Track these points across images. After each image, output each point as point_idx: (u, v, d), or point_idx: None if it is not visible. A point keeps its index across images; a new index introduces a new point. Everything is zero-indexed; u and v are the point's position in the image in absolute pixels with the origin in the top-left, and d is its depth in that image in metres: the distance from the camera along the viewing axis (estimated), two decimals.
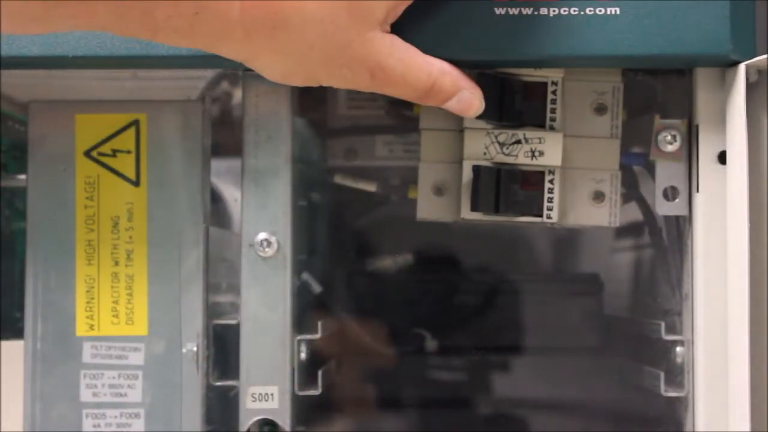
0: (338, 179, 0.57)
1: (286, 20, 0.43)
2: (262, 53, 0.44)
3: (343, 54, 0.44)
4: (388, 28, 0.46)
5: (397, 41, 0.46)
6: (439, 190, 0.52)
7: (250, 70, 0.52)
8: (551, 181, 0.51)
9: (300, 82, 0.47)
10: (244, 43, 0.43)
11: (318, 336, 0.53)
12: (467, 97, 0.48)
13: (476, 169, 0.50)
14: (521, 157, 0.51)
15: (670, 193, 0.52)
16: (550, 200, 0.51)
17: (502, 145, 0.51)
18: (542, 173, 0.51)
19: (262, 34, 0.43)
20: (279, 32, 0.43)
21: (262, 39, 0.43)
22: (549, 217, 0.51)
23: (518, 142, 0.51)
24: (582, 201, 0.52)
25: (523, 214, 0.51)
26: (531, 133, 0.51)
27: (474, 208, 0.50)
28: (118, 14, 0.41)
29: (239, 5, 0.42)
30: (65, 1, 0.40)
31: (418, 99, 0.47)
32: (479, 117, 0.49)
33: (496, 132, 0.51)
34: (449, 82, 0.47)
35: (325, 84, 0.46)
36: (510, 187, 0.50)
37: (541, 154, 0.51)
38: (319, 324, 0.54)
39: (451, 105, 0.48)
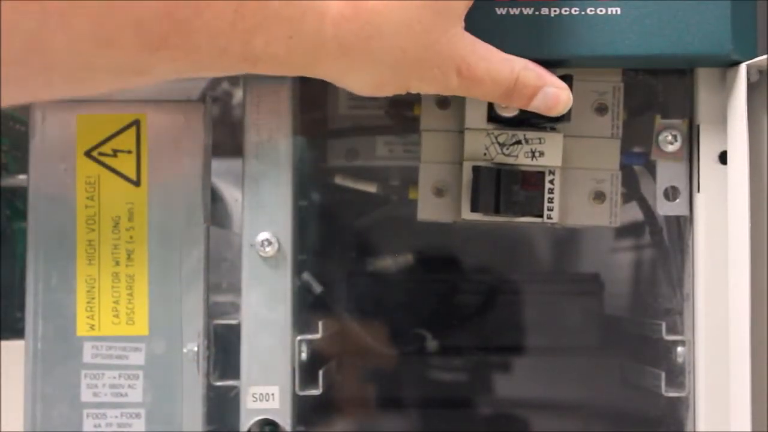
0: (339, 180, 0.57)
1: (378, 28, 0.43)
2: (356, 66, 0.44)
3: (433, 54, 0.44)
4: (464, 26, 0.46)
5: (476, 39, 0.46)
6: (439, 191, 0.52)
7: None
8: (551, 182, 0.51)
9: (392, 91, 0.46)
10: (340, 58, 0.44)
11: (319, 336, 0.53)
12: (552, 93, 0.47)
13: (476, 170, 0.50)
14: (521, 158, 0.51)
15: (671, 193, 0.52)
16: (551, 200, 0.51)
17: (502, 145, 0.51)
18: (542, 173, 0.51)
19: (357, 46, 0.43)
20: (373, 41, 0.43)
21: (357, 52, 0.43)
22: (549, 217, 0.51)
23: (518, 142, 0.51)
24: (582, 201, 0.52)
25: (523, 215, 0.51)
26: (531, 134, 0.51)
27: (474, 208, 0.50)
28: (220, 49, 0.41)
29: (331, 21, 0.42)
30: (167, 46, 0.39)
31: (503, 98, 0.47)
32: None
33: (497, 133, 0.51)
34: (533, 77, 0.47)
35: (414, 90, 0.46)
36: (510, 188, 0.50)
37: (542, 154, 0.51)
38: (320, 324, 0.54)
39: (537, 103, 0.47)
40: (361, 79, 0.46)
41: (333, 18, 0.42)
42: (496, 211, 0.50)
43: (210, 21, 0.39)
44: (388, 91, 0.46)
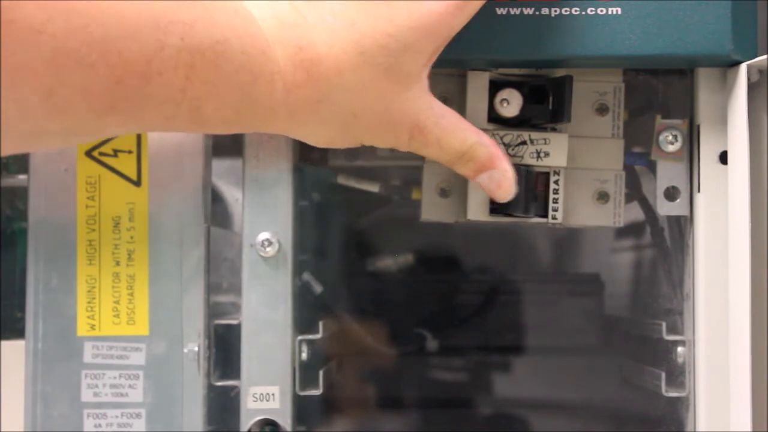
0: (341, 180, 0.57)
1: (328, 94, 0.43)
2: (306, 127, 0.44)
3: (385, 117, 0.44)
4: (427, 84, 0.45)
5: (435, 103, 0.45)
6: (443, 191, 0.52)
7: None
8: (556, 182, 0.51)
9: (344, 145, 0.46)
10: (289, 120, 0.43)
11: (319, 336, 0.53)
12: (497, 178, 0.46)
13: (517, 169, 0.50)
14: (527, 158, 0.51)
15: (672, 193, 0.52)
16: (555, 201, 0.51)
17: (507, 146, 0.51)
18: (547, 174, 0.51)
19: (305, 110, 0.43)
20: (322, 106, 0.43)
21: (306, 114, 0.43)
22: (554, 218, 0.51)
23: (523, 143, 0.51)
24: (586, 201, 0.52)
25: (536, 215, 0.51)
26: (536, 134, 0.51)
27: (503, 209, 0.50)
28: (169, 115, 0.40)
29: (282, 87, 0.42)
30: (116, 112, 0.39)
31: (451, 163, 0.47)
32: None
33: (502, 133, 0.51)
34: (483, 154, 0.46)
35: (367, 144, 0.46)
36: (533, 189, 0.50)
37: (547, 155, 0.51)
38: (320, 324, 0.54)
39: (481, 181, 0.47)
40: (311, 137, 0.46)
41: (285, 84, 0.42)
42: (526, 211, 0.50)
43: (159, 88, 0.39)
44: (341, 145, 0.46)
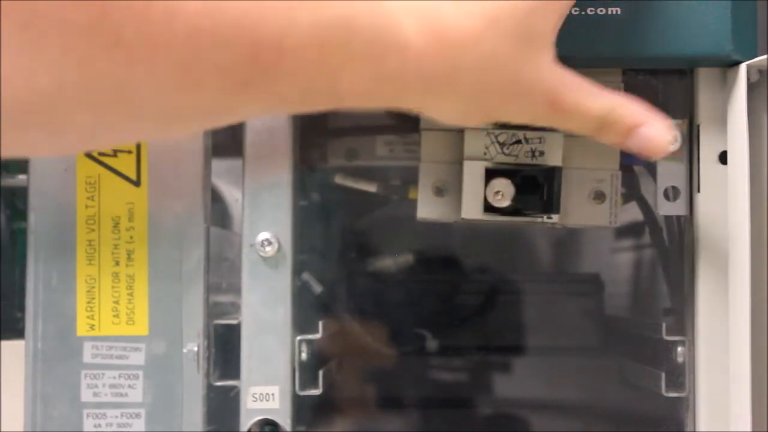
0: (339, 180, 0.57)
1: (461, 62, 0.42)
2: (440, 99, 0.44)
3: (518, 85, 0.43)
4: (555, 54, 0.44)
5: (567, 70, 0.44)
6: (439, 191, 0.52)
7: None
8: None
9: (478, 121, 0.46)
10: (423, 93, 0.43)
11: (319, 336, 0.53)
12: (650, 135, 0.44)
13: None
14: (522, 157, 0.51)
15: (671, 193, 0.52)
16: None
17: (502, 145, 0.51)
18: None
19: (440, 81, 0.42)
20: (455, 76, 0.42)
21: (440, 86, 0.43)
22: (550, 217, 0.51)
23: (518, 142, 0.51)
24: (582, 201, 0.52)
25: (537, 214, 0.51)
26: (531, 133, 0.51)
27: (545, 209, 0.50)
28: (306, 90, 0.40)
29: (414, 57, 0.42)
30: (251, 90, 0.39)
31: (595, 132, 0.45)
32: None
33: (497, 132, 0.51)
34: (628, 113, 0.44)
35: (503, 120, 0.46)
36: (539, 187, 0.50)
37: (542, 154, 0.51)
38: (320, 324, 0.54)
39: (632, 144, 0.45)
40: (446, 111, 0.45)
41: (415, 54, 0.42)
42: (545, 211, 0.50)
43: (294, 64, 0.39)
44: (474, 122, 0.46)
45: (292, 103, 0.42)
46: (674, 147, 0.52)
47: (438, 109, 0.45)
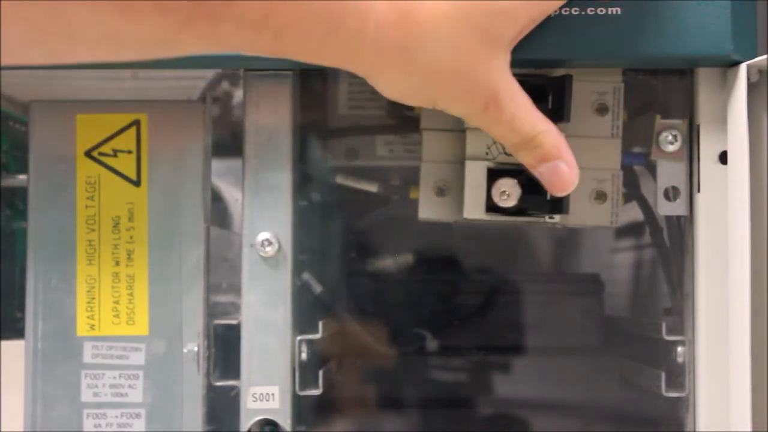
0: (340, 180, 0.57)
1: (421, 41, 0.42)
2: (387, 71, 0.44)
3: (468, 79, 0.44)
4: (509, 62, 0.45)
5: (515, 81, 0.45)
6: (440, 190, 0.52)
7: (251, 69, 0.52)
8: None
9: (416, 102, 0.46)
10: (374, 60, 0.43)
11: (319, 336, 0.53)
12: (561, 170, 0.46)
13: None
14: None
15: (671, 193, 0.52)
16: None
17: (503, 145, 0.51)
18: None
19: (393, 54, 0.43)
20: (411, 53, 0.43)
21: (392, 59, 0.43)
22: (551, 217, 0.51)
23: None
24: (584, 201, 0.52)
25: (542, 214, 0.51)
26: None
27: (552, 209, 0.50)
28: (248, 40, 0.40)
29: (374, 23, 0.42)
30: (192, 29, 0.39)
31: (515, 148, 0.46)
32: None
33: None
34: (551, 142, 0.45)
35: (440, 107, 0.46)
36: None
37: None
38: (320, 324, 0.54)
39: (543, 171, 0.46)
40: (391, 84, 0.45)
41: (377, 21, 0.42)
42: (552, 211, 0.50)
43: (240, 12, 0.39)
44: (413, 102, 0.46)
45: (235, 48, 0.42)
46: (673, 148, 0.52)
47: (385, 80, 0.45)
